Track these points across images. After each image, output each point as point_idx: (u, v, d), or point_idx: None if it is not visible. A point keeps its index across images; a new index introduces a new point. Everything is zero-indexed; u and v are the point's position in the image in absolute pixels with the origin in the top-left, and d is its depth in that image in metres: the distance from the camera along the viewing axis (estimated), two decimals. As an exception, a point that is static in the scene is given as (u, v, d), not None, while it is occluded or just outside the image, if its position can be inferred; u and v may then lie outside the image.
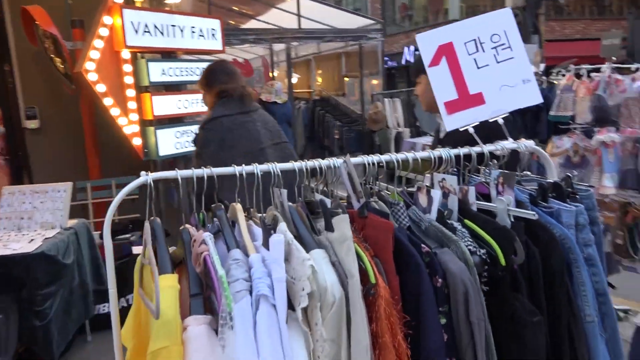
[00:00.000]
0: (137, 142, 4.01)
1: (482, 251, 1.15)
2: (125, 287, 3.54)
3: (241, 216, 1.14)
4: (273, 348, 0.95)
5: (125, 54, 3.92)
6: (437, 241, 1.17)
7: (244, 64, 5.99)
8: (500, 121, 1.51)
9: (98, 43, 3.74)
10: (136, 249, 3.68)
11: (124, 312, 3.58)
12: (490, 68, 1.50)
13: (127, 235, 3.74)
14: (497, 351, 1.10)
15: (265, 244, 1.05)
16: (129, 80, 3.95)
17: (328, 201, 1.18)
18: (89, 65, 3.69)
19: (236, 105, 2.46)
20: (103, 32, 3.76)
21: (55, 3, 4.11)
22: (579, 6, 16.93)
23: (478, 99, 1.49)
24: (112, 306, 1.15)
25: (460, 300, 1.06)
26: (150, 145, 4.07)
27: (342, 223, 1.06)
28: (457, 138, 1.95)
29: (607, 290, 1.24)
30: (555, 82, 3.99)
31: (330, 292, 0.99)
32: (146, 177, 1.11)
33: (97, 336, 3.43)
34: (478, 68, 1.50)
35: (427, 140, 5.55)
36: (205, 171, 1.15)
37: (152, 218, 1.10)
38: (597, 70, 3.61)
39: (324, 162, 1.22)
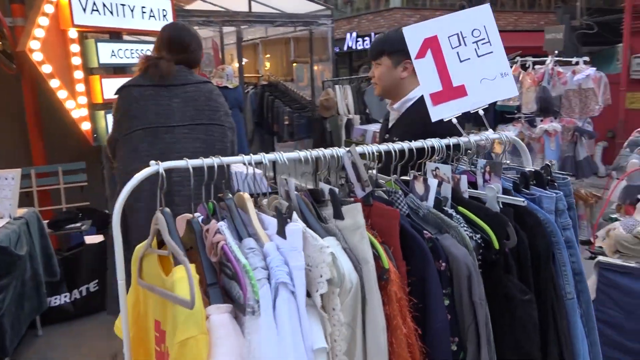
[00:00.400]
0: (86, 126, 3.83)
1: (477, 236, 1.23)
2: (78, 278, 3.43)
3: (250, 205, 1.15)
4: (294, 333, 0.98)
5: (73, 34, 3.72)
6: (436, 227, 1.23)
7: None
8: (481, 112, 1.59)
9: (43, 21, 3.52)
10: (88, 239, 3.55)
11: (79, 304, 3.44)
12: (472, 62, 1.58)
13: (78, 225, 3.59)
14: (492, 328, 1.19)
15: (280, 233, 1.06)
16: (76, 61, 3.75)
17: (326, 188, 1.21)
18: (34, 44, 3.47)
19: (155, 77, 2.31)
20: (48, 9, 3.54)
21: (-11, -25, 3.82)
22: (511, -1, 17.75)
23: (461, 91, 1.56)
24: (122, 297, 1.12)
25: (464, 282, 1.13)
26: (100, 129, 3.89)
27: (355, 211, 1.09)
28: (405, 126, 2.02)
29: (583, 270, 1.36)
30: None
31: (348, 279, 1.02)
32: (157, 166, 1.08)
33: (47, 330, 3.29)
34: (460, 61, 1.57)
35: (377, 127, 5.66)
36: (215, 160, 1.14)
37: (162, 208, 1.08)
38: (542, 63, 3.83)
39: (327, 152, 1.24)
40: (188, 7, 7.09)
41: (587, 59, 3.84)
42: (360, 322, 1.05)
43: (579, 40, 11.22)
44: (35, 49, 3.47)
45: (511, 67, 4.40)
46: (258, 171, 3.40)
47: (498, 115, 4.44)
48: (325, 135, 5.96)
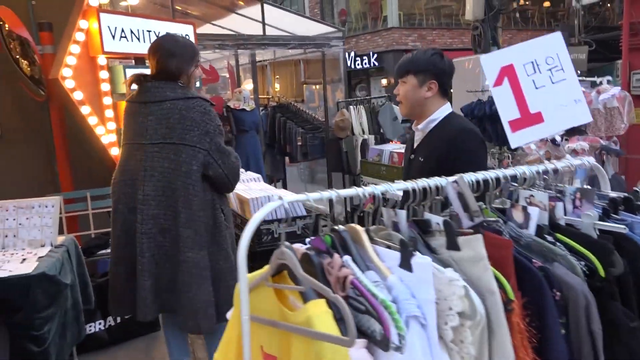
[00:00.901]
0: (114, 152, 3.82)
1: (582, 264, 1.24)
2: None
3: (365, 237, 1.15)
4: (429, 367, 0.98)
5: (102, 60, 3.74)
6: (542, 256, 1.24)
7: (210, 70, 5.87)
8: (558, 138, 1.61)
9: (74, 48, 3.54)
10: (122, 265, 3.51)
11: (113, 331, 3.40)
12: (547, 89, 1.61)
13: (108, 251, 3.56)
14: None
15: (405, 265, 1.07)
16: (105, 87, 3.77)
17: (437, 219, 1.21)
18: (66, 72, 3.48)
19: (139, 92, 2.40)
20: (79, 36, 3.57)
21: (16, 3, 3.84)
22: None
23: (538, 118, 1.59)
24: (245, 333, 1.11)
25: (582, 311, 1.13)
26: (128, 155, 3.89)
27: (476, 242, 1.10)
28: (430, 147, 2.06)
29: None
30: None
31: (478, 311, 1.03)
32: (281, 201, 1.08)
33: (83, 358, 3.24)
34: (536, 88, 1.60)
35: (393, 147, 5.69)
36: (332, 194, 1.14)
37: (283, 242, 1.09)
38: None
39: (430, 182, 1.25)
40: (199, 30, 7.16)
41: (610, 78, 3.92)
42: (487, 354, 1.05)
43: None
44: (67, 76, 3.48)
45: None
46: (295, 195, 3.38)
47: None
48: (342, 155, 5.99)
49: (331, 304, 1.05)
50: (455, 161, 1.91)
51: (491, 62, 1.61)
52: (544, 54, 1.63)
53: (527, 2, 19.25)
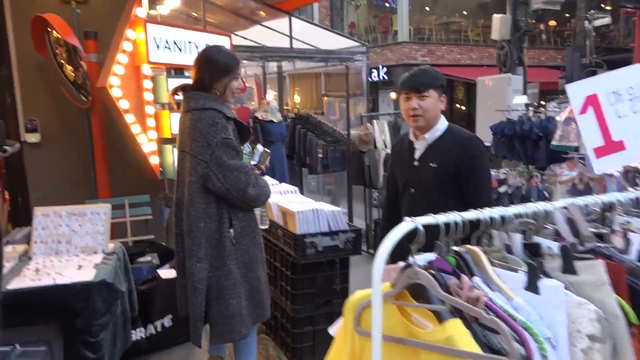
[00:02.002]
0: (154, 160, 3.87)
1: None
2: (152, 313, 3.42)
3: (485, 258, 1.20)
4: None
5: (146, 70, 3.80)
6: (646, 281, 1.29)
7: (238, 80, 5.94)
8: None
9: (122, 57, 3.60)
10: (162, 273, 3.54)
11: (154, 339, 3.42)
12: (628, 118, 1.67)
13: (149, 258, 3.60)
14: None
15: (532, 288, 1.11)
16: (148, 96, 3.82)
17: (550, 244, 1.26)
18: (113, 80, 3.54)
19: (182, 102, 2.52)
20: (127, 46, 3.63)
21: (61, 11, 3.91)
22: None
23: (620, 145, 1.65)
24: (377, 350, 1.15)
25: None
26: (166, 164, 3.94)
27: (597, 268, 1.15)
28: (442, 153, 2.27)
29: None
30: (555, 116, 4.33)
31: (609, 334, 1.07)
32: (413, 223, 1.13)
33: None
34: (618, 117, 1.66)
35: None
36: (463, 216, 1.19)
37: (416, 261, 1.13)
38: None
39: (540, 207, 1.30)
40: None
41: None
42: (611, 376, 1.10)
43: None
44: (114, 85, 3.54)
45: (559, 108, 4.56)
46: (337, 208, 3.42)
47: (549, 154, 4.56)
48: (363, 169, 6.04)
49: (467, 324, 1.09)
50: (473, 161, 2.26)
51: (577, 91, 1.67)
52: (625, 84, 1.69)
53: (532, 21, 19.46)
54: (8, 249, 2.88)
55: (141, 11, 3.76)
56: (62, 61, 3.81)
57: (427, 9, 18.13)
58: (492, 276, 1.17)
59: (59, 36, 3.60)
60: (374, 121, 6.25)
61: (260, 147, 2.65)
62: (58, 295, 2.38)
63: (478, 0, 19.53)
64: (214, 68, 2.40)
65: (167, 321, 3.42)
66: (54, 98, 4.00)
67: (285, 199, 3.57)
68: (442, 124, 2.36)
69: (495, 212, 1.25)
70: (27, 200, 4.08)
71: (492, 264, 1.23)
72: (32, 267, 2.60)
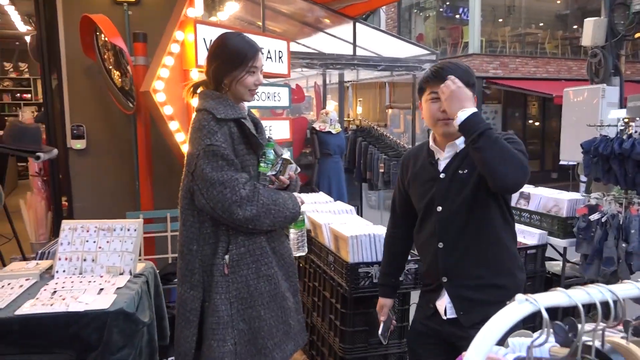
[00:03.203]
0: (199, 171, 3.57)
1: None
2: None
3: None
4: None
5: (195, 74, 3.52)
6: None
7: (296, 89, 5.62)
8: None
9: (168, 60, 3.34)
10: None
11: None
12: None
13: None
14: None
15: None
16: (194, 102, 3.53)
17: None
18: (158, 85, 3.28)
19: None
20: (174, 48, 3.37)
21: (113, 13, 3.73)
22: None
23: None
24: None
25: None
26: (212, 175, 3.63)
27: None
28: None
29: None
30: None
31: None
32: (535, 304, 0.66)
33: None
34: None
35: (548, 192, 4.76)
36: (615, 291, 0.71)
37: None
38: None
39: None
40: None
41: None
42: None
43: None
44: (159, 90, 3.28)
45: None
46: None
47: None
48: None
49: None
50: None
51: None
52: None
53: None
54: (31, 264, 2.64)
55: (192, 11, 3.50)
56: (110, 66, 3.62)
57: (500, 20, 17.26)
58: None
59: (107, 39, 3.40)
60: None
61: (286, 153, 2.12)
62: (69, 324, 2.08)
63: (555, 11, 18.42)
64: (222, 58, 1.98)
65: (201, 352, 3.06)
66: (102, 104, 3.83)
67: (339, 220, 3.15)
68: None
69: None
70: (72, 208, 3.92)
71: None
72: (50, 288, 2.32)
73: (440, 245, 1.92)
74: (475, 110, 1.73)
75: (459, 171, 1.88)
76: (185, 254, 2.04)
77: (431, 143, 1.99)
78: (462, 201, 1.87)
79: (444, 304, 1.94)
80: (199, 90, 2.12)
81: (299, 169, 2.16)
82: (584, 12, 16.36)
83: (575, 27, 17.69)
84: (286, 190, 2.12)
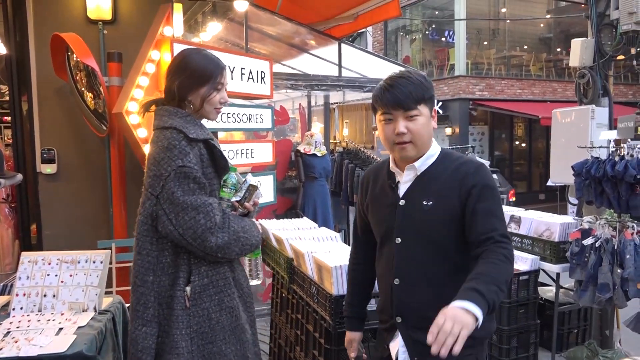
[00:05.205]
0: (175, 197, 3.39)
1: None
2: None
3: None
4: None
5: (171, 95, 3.36)
6: None
7: (280, 110, 5.49)
8: None
9: (143, 81, 3.19)
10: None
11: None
12: None
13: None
14: None
15: None
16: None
17: None
18: (132, 106, 3.12)
19: None
20: (149, 68, 3.22)
21: (87, 32, 3.58)
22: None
23: None
24: None
25: None
26: (189, 201, 3.45)
27: None
28: (439, 186, 1.65)
29: None
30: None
31: None
32: None
33: None
34: None
35: (539, 215, 4.68)
36: None
37: None
38: None
39: None
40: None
41: None
42: None
43: None
44: (132, 111, 3.12)
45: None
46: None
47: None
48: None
49: None
50: (479, 197, 1.61)
51: None
52: None
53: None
54: (-14, 301, 2.43)
55: (169, 30, 3.36)
56: (83, 88, 3.45)
57: (486, 43, 17.45)
58: None
59: (78, 59, 3.24)
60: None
61: (249, 179, 1.98)
62: (22, 370, 1.87)
63: (539, 34, 18.69)
64: (186, 74, 1.84)
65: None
66: (73, 126, 3.64)
67: (323, 248, 2.97)
68: (435, 148, 1.71)
69: None
70: (41, 237, 3.69)
71: None
72: (3, 328, 2.11)
73: (397, 281, 1.70)
74: (471, 305, 1.36)
75: (423, 201, 1.67)
76: (138, 286, 1.84)
77: (391, 165, 1.77)
78: (423, 236, 1.66)
79: (396, 347, 1.72)
80: (151, 108, 1.97)
81: (261, 195, 2.01)
82: (567, 35, 16.60)
83: (558, 49, 17.95)
84: (246, 217, 1.98)
